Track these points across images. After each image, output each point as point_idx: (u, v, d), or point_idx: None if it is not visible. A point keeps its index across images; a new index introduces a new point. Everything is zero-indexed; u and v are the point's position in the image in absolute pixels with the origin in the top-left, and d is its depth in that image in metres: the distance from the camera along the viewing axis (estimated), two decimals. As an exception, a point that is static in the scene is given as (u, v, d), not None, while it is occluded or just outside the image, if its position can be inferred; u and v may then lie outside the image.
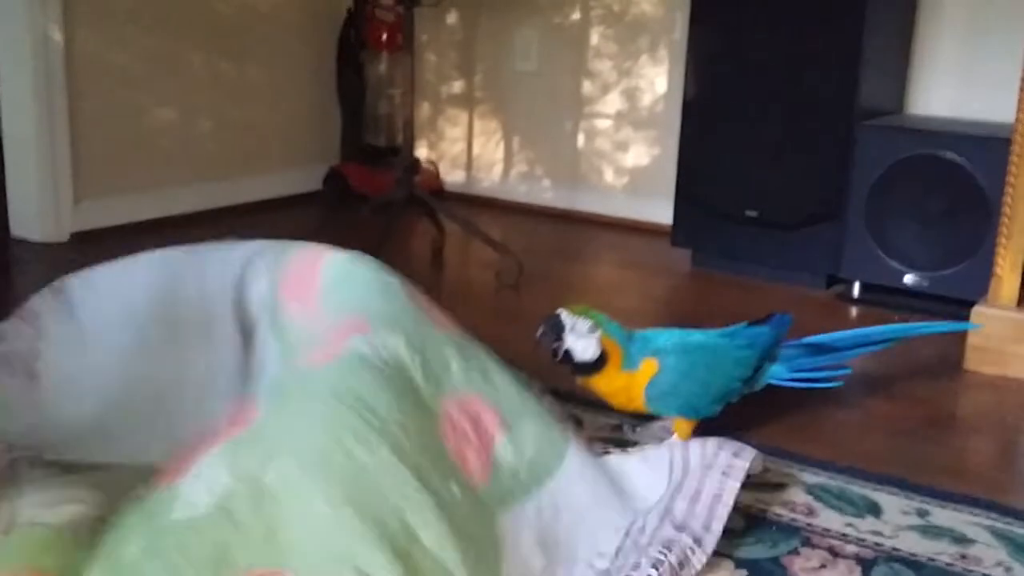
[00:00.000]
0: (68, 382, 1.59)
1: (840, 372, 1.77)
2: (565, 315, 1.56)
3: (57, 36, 2.76)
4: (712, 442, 1.47)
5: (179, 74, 3.14)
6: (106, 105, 2.94)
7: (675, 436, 1.64)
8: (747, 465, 1.41)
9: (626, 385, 1.60)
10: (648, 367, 1.59)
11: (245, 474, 1.12)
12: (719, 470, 1.40)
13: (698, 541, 1.28)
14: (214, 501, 1.09)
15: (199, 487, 1.11)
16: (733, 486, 1.37)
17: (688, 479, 1.40)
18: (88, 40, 2.87)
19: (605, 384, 1.60)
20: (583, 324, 1.55)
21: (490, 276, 2.64)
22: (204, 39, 3.19)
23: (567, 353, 1.56)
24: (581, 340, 1.55)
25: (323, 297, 1.48)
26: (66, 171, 2.85)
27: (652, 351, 1.61)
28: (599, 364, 1.57)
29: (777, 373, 1.73)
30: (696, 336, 1.67)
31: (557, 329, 1.56)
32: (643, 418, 1.71)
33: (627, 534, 1.33)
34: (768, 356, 1.71)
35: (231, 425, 1.24)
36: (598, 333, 1.56)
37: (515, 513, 1.28)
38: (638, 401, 1.61)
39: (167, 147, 3.14)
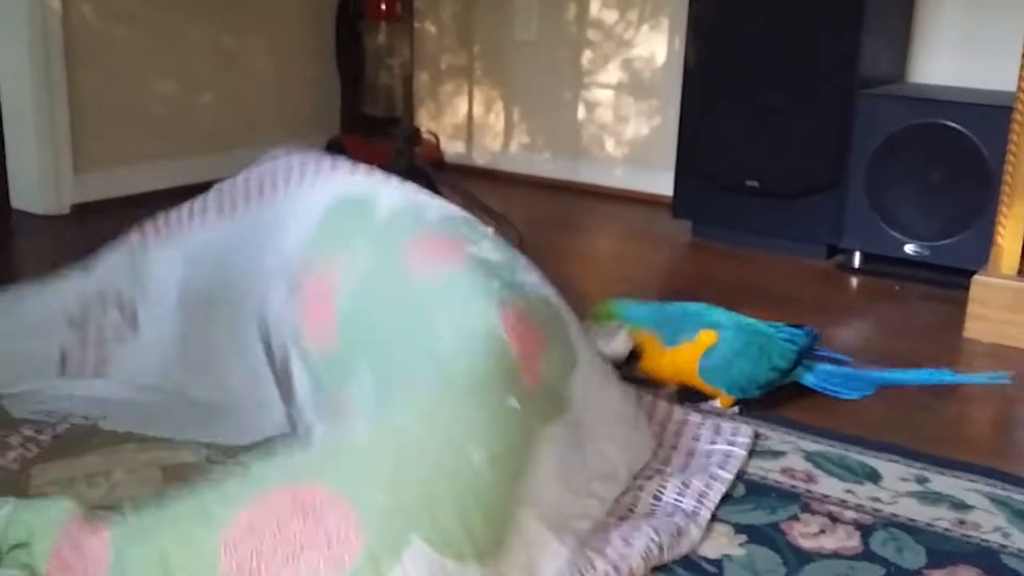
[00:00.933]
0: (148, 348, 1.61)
1: (863, 392, 1.80)
2: (588, 327, 1.59)
3: (55, 5, 2.75)
4: (710, 424, 1.51)
5: (178, 45, 3.12)
6: (105, 76, 2.93)
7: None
8: (744, 454, 1.48)
9: (672, 359, 1.63)
10: (706, 337, 1.63)
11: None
12: (718, 456, 1.45)
13: (694, 514, 1.30)
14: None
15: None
16: (725, 476, 1.42)
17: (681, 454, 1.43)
18: (86, 10, 2.86)
19: (651, 364, 1.64)
20: (604, 328, 1.61)
21: (490, 247, 2.64)
22: (203, 10, 3.18)
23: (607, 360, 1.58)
24: (611, 344, 1.60)
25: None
26: (66, 143, 2.84)
27: (710, 323, 1.65)
28: (635, 355, 1.62)
29: (805, 377, 1.78)
30: (749, 320, 1.71)
31: None
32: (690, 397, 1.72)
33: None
34: (805, 355, 1.75)
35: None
36: (624, 330, 1.60)
37: (548, 432, 1.27)
38: (687, 371, 1.64)
39: (167, 118, 3.13)
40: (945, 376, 1.89)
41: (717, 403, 1.68)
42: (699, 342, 1.62)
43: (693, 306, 1.70)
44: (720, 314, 1.68)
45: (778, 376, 1.70)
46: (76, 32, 2.83)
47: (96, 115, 2.92)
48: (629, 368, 1.62)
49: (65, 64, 2.80)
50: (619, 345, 1.60)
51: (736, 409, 1.68)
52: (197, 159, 3.19)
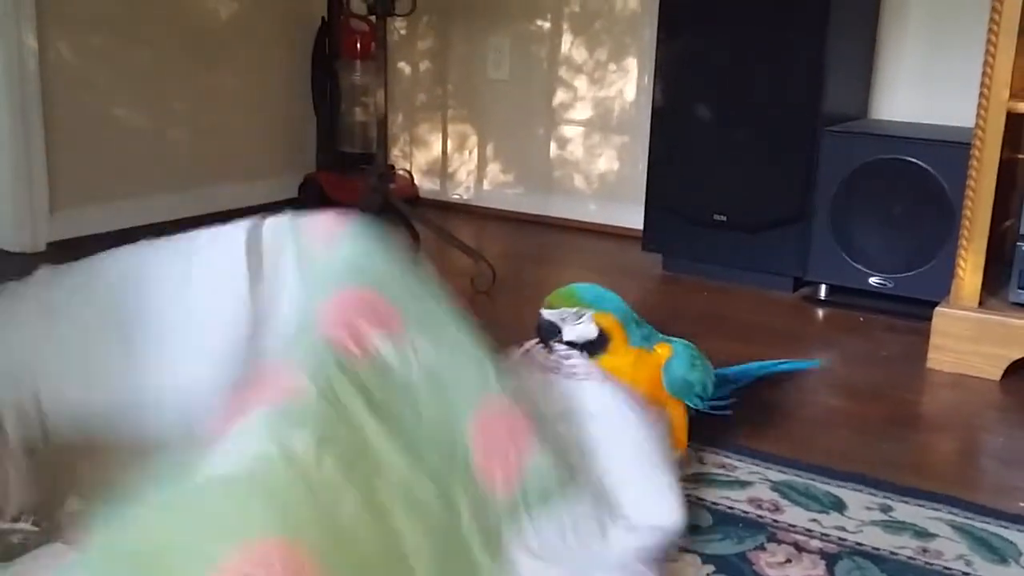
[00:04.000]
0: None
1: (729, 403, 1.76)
2: (548, 313, 1.55)
3: (32, 43, 2.78)
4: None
5: (154, 83, 3.16)
6: (82, 114, 2.96)
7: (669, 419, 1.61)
8: None
9: (634, 362, 1.57)
10: (663, 350, 1.61)
11: (284, 445, 1.06)
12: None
13: None
14: (245, 464, 1.03)
15: (232, 448, 1.05)
16: None
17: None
18: (64, 48, 2.89)
19: (616, 360, 1.56)
20: (568, 312, 1.54)
21: (465, 282, 2.68)
22: (180, 48, 3.21)
23: (570, 344, 1.54)
24: (577, 327, 1.54)
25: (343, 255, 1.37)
26: (42, 180, 2.86)
27: (663, 339, 1.63)
28: (603, 341, 1.55)
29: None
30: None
31: (552, 330, 1.55)
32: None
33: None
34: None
35: (270, 388, 1.15)
36: (588, 313, 1.55)
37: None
38: (648, 379, 1.58)
39: (143, 155, 3.15)
40: (768, 366, 1.94)
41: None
42: (658, 354, 1.60)
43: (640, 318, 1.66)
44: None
45: (713, 387, 1.69)
46: (53, 70, 2.86)
47: (72, 153, 2.94)
48: (594, 354, 1.55)
49: (42, 102, 2.83)
50: (586, 328, 1.54)
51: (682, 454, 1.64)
52: (173, 196, 3.21)
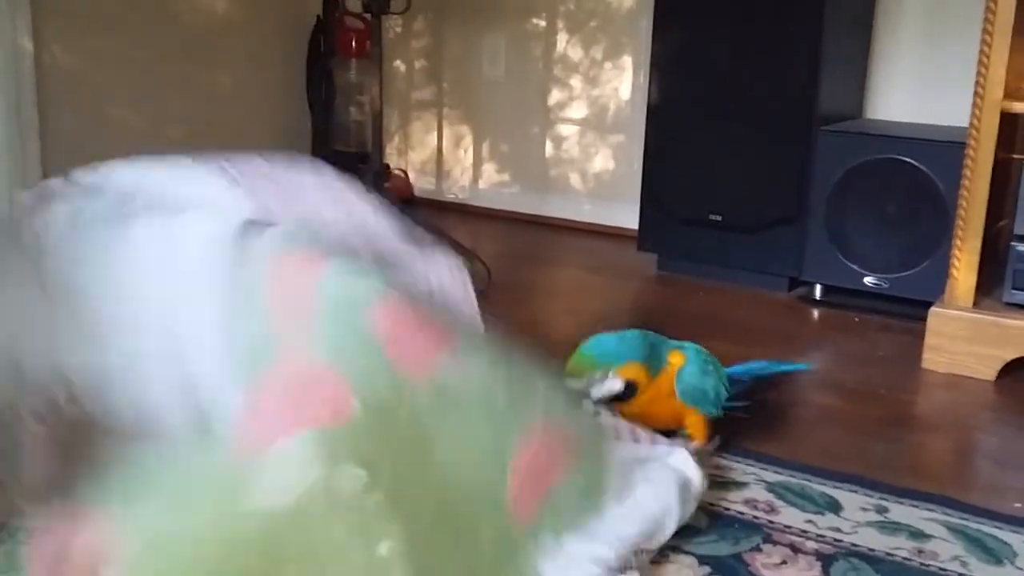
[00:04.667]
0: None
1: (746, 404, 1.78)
2: (574, 385, 1.54)
3: (27, 45, 2.77)
4: None
5: (150, 82, 3.15)
6: (77, 116, 2.95)
7: (692, 442, 1.62)
8: None
9: (659, 384, 1.58)
10: (676, 359, 1.61)
11: (331, 483, 1.05)
12: None
13: None
14: (291, 499, 1.02)
15: (278, 476, 1.04)
16: None
17: None
18: (58, 49, 2.88)
19: (647, 399, 1.58)
20: (593, 379, 1.54)
21: (460, 281, 2.67)
22: (174, 48, 3.21)
23: (600, 402, 1.55)
24: (604, 386, 1.54)
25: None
26: (37, 181, 2.85)
27: (674, 346, 1.64)
28: (630, 389, 1.56)
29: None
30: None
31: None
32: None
33: None
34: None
35: (316, 402, 1.12)
36: (611, 370, 1.54)
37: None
38: (666, 394, 1.59)
39: (139, 155, 3.14)
40: (762, 367, 1.94)
41: (690, 442, 1.63)
42: (672, 365, 1.61)
43: (649, 334, 1.66)
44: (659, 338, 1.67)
45: (728, 391, 1.70)
46: (48, 72, 2.85)
47: (68, 154, 2.93)
48: (626, 404, 1.56)
49: (37, 104, 2.82)
50: (611, 384, 1.54)
51: (716, 442, 1.67)
52: (168, 195, 3.21)
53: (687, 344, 1.67)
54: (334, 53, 3.56)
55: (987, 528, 1.50)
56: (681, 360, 1.62)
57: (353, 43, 3.52)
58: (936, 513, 1.54)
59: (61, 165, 2.90)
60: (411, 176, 3.74)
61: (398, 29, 3.65)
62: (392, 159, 3.75)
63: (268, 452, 1.05)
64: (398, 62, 3.70)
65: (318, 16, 3.57)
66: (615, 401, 1.56)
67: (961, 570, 1.38)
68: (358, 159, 3.53)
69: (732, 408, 1.71)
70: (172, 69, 3.21)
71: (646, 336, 1.62)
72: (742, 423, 1.76)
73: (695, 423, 1.65)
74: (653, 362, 1.60)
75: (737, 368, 1.86)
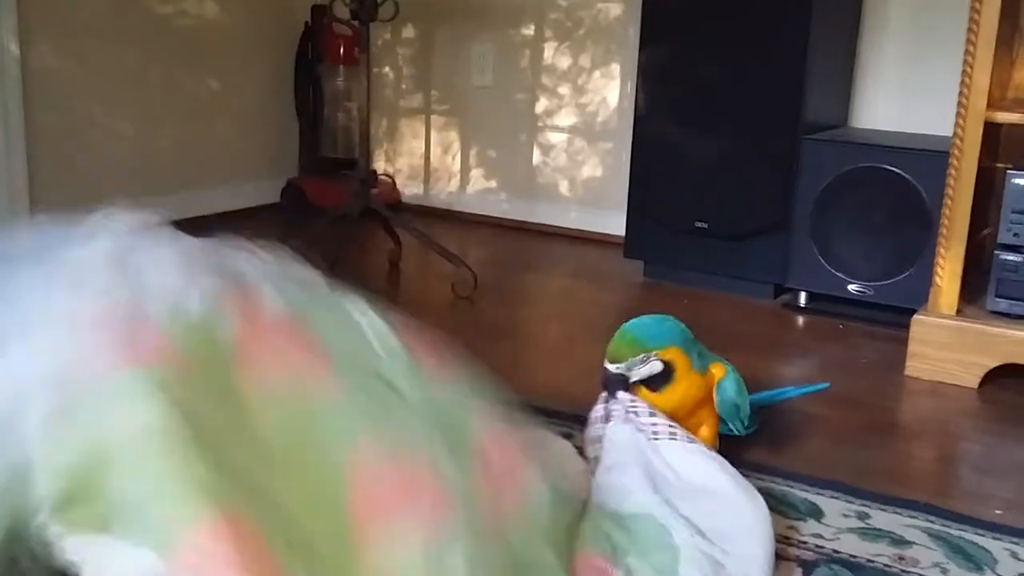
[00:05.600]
0: None
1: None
2: (615, 367, 1.53)
3: (14, 49, 2.77)
4: None
5: (137, 88, 3.15)
6: (63, 120, 2.95)
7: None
8: None
9: (696, 382, 1.57)
10: (717, 370, 1.61)
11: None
12: None
13: None
14: None
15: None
16: None
17: None
18: (45, 53, 2.88)
19: (679, 387, 1.55)
20: (634, 361, 1.53)
21: (446, 288, 2.68)
22: (162, 53, 3.21)
23: (637, 383, 1.54)
24: (644, 368, 1.53)
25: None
26: (23, 186, 2.85)
27: (715, 358, 1.62)
28: (668, 372, 1.54)
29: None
30: None
31: (620, 381, 1.53)
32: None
33: None
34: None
35: (414, 490, 1.09)
36: (653, 354, 1.53)
37: None
38: (692, 400, 1.58)
39: (125, 161, 3.15)
40: (784, 393, 1.93)
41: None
42: (711, 374, 1.60)
43: (682, 324, 1.63)
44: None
45: (751, 415, 1.70)
46: (34, 76, 2.85)
47: (54, 158, 2.93)
48: (660, 387, 1.54)
49: (23, 107, 2.82)
50: (652, 367, 1.52)
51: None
52: (156, 201, 3.20)
53: (725, 360, 1.65)
54: (322, 60, 3.57)
55: (968, 535, 1.50)
56: (723, 372, 1.61)
57: (341, 50, 3.53)
58: (918, 520, 1.54)
59: (46, 167, 2.92)
60: (399, 182, 3.74)
61: (387, 36, 3.65)
62: (380, 165, 3.75)
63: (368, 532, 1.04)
64: (387, 69, 3.71)
65: (306, 23, 3.58)
66: (651, 384, 1.54)
67: (941, 576, 1.39)
68: (345, 165, 3.54)
69: (750, 432, 1.72)
70: (160, 74, 3.21)
71: (680, 323, 1.60)
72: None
73: (710, 435, 1.64)
74: (692, 354, 1.57)
75: (763, 395, 1.86)
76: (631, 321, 1.58)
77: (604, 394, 1.54)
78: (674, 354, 1.55)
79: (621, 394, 1.52)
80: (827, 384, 1.96)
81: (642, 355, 1.53)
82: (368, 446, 1.08)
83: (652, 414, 1.50)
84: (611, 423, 1.50)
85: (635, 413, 1.51)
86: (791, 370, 2.28)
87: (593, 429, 1.53)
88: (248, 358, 1.08)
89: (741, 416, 1.65)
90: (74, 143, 2.99)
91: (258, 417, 1.04)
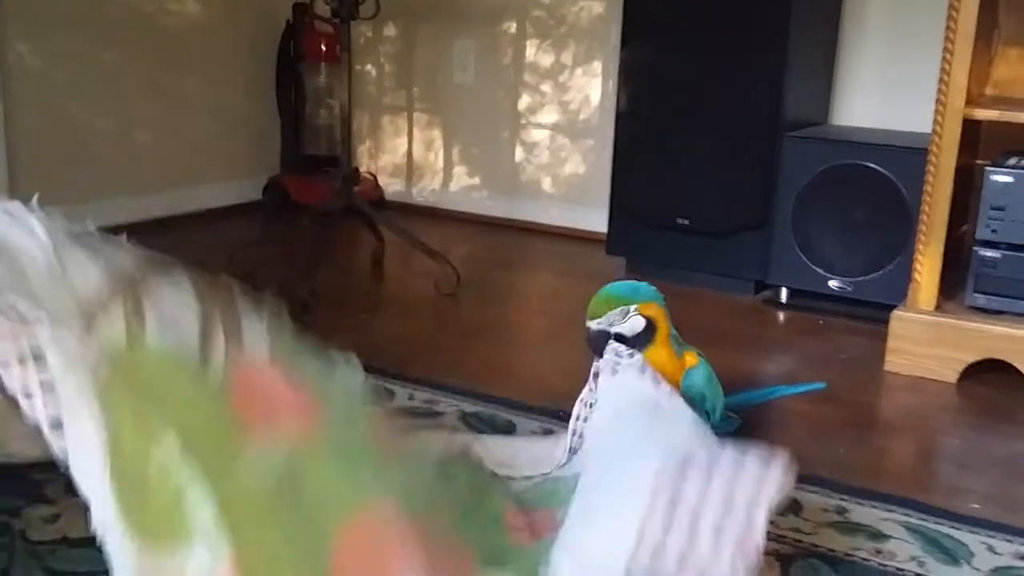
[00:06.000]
0: None
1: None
2: (596, 323, 1.52)
3: (-8, 48, 2.76)
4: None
5: (118, 85, 3.14)
6: (43, 117, 2.94)
7: None
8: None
9: (675, 364, 1.56)
10: (691, 358, 1.60)
11: None
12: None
13: None
14: None
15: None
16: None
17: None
18: (25, 52, 2.87)
19: (661, 351, 1.54)
20: (613, 314, 1.52)
21: (429, 285, 2.68)
22: (143, 51, 3.20)
23: (621, 338, 1.52)
24: (626, 323, 1.52)
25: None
26: (2, 184, 2.84)
27: (692, 349, 1.61)
28: (651, 329, 1.53)
29: None
30: None
31: (603, 338, 1.52)
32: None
33: None
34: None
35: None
36: (632, 307, 1.52)
37: None
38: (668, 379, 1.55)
39: (106, 158, 3.14)
40: (778, 391, 1.93)
41: None
42: (685, 360, 1.59)
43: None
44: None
45: (721, 416, 1.69)
46: (14, 73, 2.84)
47: (34, 155, 2.92)
48: (644, 345, 1.52)
49: (3, 105, 2.81)
50: (634, 322, 1.52)
51: None
52: (137, 198, 3.20)
53: (701, 353, 1.64)
54: (304, 57, 3.57)
55: (945, 528, 1.52)
56: (695, 361, 1.61)
57: (323, 47, 3.52)
58: (895, 514, 1.56)
59: (27, 166, 2.91)
60: (381, 180, 3.74)
61: (369, 34, 3.65)
62: (363, 163, 3.75)
63: None
64: (369, 66, 3.71)
65: (288, 20, 3.57)
66: (635, 343, 1.52)
67: (918, 570, 1.40)
68: (327, 162, 3.54)
69: (726, 430, 1.71)
70: (140, 71, 3.20)
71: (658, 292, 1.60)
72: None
73: None
74: (672, 327, 1.57)
75: (755, 393, 1.86)
76: (608, 284, 1.57)
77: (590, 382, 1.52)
78: (655, 311, 1.54)
79: (609, 348, 1.49)
80: (824, 384, 1.95)
81: (621, 308, 1.52)
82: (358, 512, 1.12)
83: (643, 369, 1.45)
84: (601, 378, 1.47)
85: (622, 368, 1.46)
86: (772, 366, 2.30)
87: (578, 406, 1.51)
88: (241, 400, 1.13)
89: (707, 407, 1.64)
90: (55, 142, 2.98)
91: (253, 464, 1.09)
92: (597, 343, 1.52)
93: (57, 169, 2.99)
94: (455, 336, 2.38)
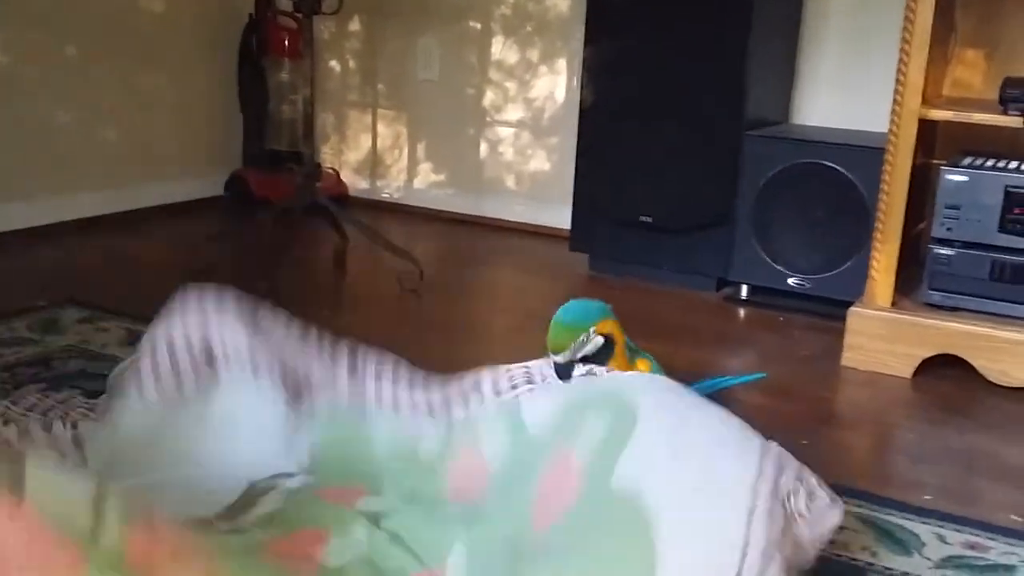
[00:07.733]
0: None
1: None
2: (560, 357, 1.53)
3: (-49, 40, 2.73)
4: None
5: (80, 80, 3.12)
6: (6, 110, 2.91)
7: None
8: None
9: (627, 370, 1.59)
10: (643, 365, 1.62)
11: None
12: None
13: None
14: None
15: None
16: None
17: None
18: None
19: (622, 366, 1.58)
20: (575, 344, 1.53)
21: (392, 282, 2.69)
22: (105, 46, 3.18)
23: (584, 359, 1.55)
24: (588, 346, 1.54)
25: None
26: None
27: (644, 355, 1.64)
28: (610, 345, 1.56)
29: None
30: None
31: (570, 368, 1.54)
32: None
33: None
34: None
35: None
36: (589, 331, 1.54)
37: None
38: None
39: (69, 152, 3.11)
40: (721, 382, 1.93)
41: None
42: (637, 368, 1.61)
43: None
44: None
45: None
46: (-27, 66, 2.81)
47: (-7, 149, 2.90)
48: (605, 361, 1.55)
49: (-38, 98, 2.78)
50: (595, 343, 1.53)
51: None
52: (99, 193, 3.18)
53: (652, 358, 1.67)
54: (266, 52, 3.55)
55: (896, 519, 1.55)
56: (647, 368, 1.63)
57: (286, 42, 3.52)
58: (849, 505, 1.57)
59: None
60: (346, 176, 3.73)
61: (332, 29, 3.65)
62: (327, 159, 3.74)
63: None
64: (333, 62, 3.70)
65: (250, 15, 3.56)
66: (597, 359, 1.55)
67: (870, 560, 1.43)
68: (291, 158, 3.53)
69: None
70: (103, 67, 3.18)
71: (605, 305, 1.62)
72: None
73: None
74: (625, 335, 1.60)
75: (701, 384, 1.88)
76: (558, 312, 1.58)
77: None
78: (610, 326, 1.57)
79: (577, 369, 1.52)
80: (764, 374, 2.00)
81: (582, 336, 1.54)
82: None
83: (611, 371, 1.51)
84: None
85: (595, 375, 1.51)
86: (732, 362, 2.32)
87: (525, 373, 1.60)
88: None
89: None
90: (17, 134, 2.95)
91: None
92: (566, 371, 1.54)
93: (21, 162, 2.96)
94: (418, 332, 2.39)
